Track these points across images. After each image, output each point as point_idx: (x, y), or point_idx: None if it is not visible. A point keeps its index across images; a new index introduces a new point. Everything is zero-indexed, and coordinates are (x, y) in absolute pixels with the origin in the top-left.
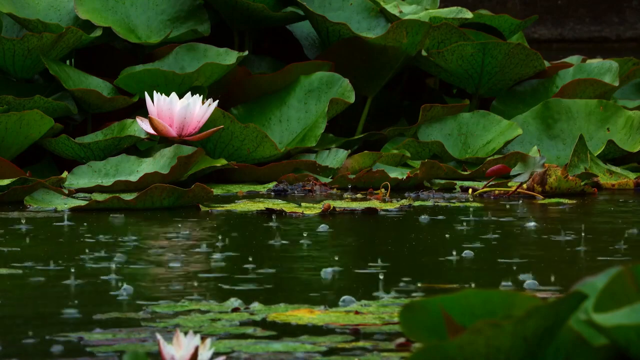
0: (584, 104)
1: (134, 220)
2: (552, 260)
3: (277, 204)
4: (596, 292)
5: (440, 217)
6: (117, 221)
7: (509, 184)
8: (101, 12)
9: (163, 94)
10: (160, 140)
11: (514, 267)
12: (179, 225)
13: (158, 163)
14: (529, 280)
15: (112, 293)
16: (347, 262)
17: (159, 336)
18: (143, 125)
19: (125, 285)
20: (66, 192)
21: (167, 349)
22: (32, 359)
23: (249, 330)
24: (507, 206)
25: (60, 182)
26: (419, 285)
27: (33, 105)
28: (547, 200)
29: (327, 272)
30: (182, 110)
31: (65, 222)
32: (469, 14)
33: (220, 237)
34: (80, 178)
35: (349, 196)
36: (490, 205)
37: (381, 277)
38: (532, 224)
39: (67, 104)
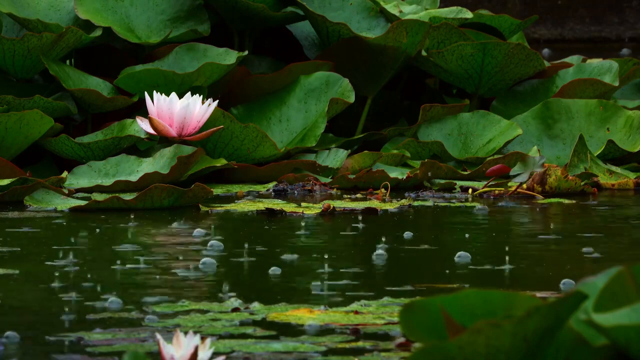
0: (584, 104)
1: (134, 220)
2: (550, 260)
3: (277, 204)
4: (596, 292)
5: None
6: (117, 221)
7: (509, 184)
8: (101, 12)
9: (163, 94)
10: (160, 140)
11: (508, 267)
12: (179, 225)
13: (158, 163)
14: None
15: (112, 293)
16: (347, 261)
17: (158, 336)
18: (143, 125)
19: (125, 285)
20: (66, 192)
21: (167, 348)
22: (32, 359)
23: (249, 330)
24: (507, 206)
25: (60, 182)
26: (419, 285)
27: (33, 105)
28: (546, 200)
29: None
30: (182, 110)
31: (65, 222)
32: (468, 14)
33: (220, 237)
34: (80, 178)
35: (348, 196)
36: (489, 205)
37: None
38: (529, 222)
39: (67, 104)
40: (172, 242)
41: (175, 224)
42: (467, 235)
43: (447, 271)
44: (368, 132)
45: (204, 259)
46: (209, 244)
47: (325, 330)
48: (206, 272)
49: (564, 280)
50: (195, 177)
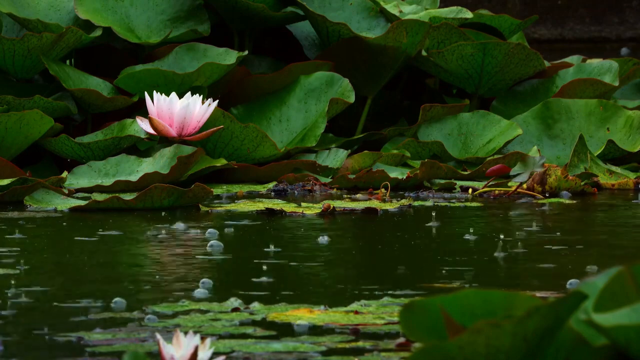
0: (584, 104)
1: (134, 220)
2: (551, 260)
3: (277, 204)
4: (596, 292)
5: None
6: (117, 221)
7: (509, 184)
8: (101, 12)
9: (163, 94)
10: (160, 140)
11: (511, 268)
12: (179, 226)
13: (158, 163)
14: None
15: (111, 293)
16: (347, 261)
17: (158, 336)
18: (143, 125)
19: (125, 285)
20: (66, 192)
21: (167, 348)
22: (32, 359)
23: (249, 330)
24: (507, 206)
25: (60, 182)
26: (419, 285)
27: (33, 105)
28: (546, 200)
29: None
30: (182, 110)
31: (65, 222)
32: (468, 14)
33: (219, 237)
34: (80, 178)
35: (348, 196)
36: (489, 205)
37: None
38: (531, 223)
39: (67, 104)
40: (172, 242)
41: (176, 224)
42: (466, 236)
43: (447, 271)
44: (368, 132)
45: (212, 250)
46: (208, 245)
47: (325, 330)
48: (212, 263)
49: (570, 281)
50: (195, 177)
